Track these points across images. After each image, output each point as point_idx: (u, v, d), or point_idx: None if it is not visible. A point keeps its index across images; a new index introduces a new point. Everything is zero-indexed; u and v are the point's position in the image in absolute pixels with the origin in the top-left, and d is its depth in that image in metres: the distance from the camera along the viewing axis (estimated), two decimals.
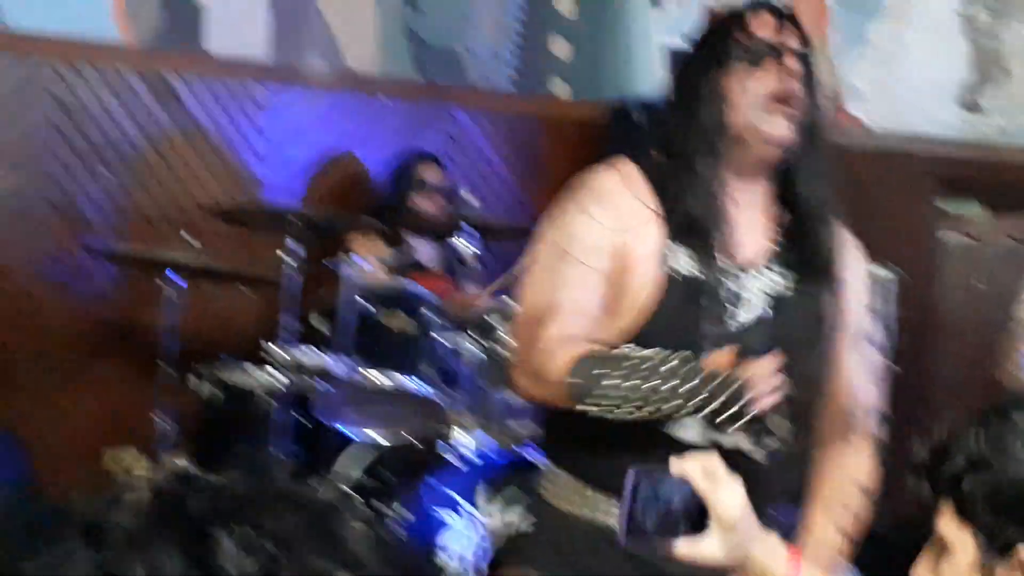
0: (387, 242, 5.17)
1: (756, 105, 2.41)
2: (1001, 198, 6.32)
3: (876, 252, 2.69)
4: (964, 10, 6.31)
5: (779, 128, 2.41)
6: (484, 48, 5.81)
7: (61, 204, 5.12)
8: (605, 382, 2.23)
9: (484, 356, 4.34)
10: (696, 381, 2.18)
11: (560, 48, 5.93)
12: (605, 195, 2.45)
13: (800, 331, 2.45)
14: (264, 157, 5.43)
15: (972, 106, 6.43)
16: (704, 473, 1.81)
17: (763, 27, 2.43)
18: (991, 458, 1.50)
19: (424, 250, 5.28)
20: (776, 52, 2.42)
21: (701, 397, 2.18)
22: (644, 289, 2.40)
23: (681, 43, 5.77)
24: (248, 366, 4.42)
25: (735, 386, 2.17)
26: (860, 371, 2.59)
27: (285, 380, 4.32)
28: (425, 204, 5.27)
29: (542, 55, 5.91)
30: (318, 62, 5.52)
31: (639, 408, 2.22)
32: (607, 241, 2.41)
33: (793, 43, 2.45)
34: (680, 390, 2.19)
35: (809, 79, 2.45)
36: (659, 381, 2.20)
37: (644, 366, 2.23)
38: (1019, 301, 3.83)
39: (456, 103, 5.77)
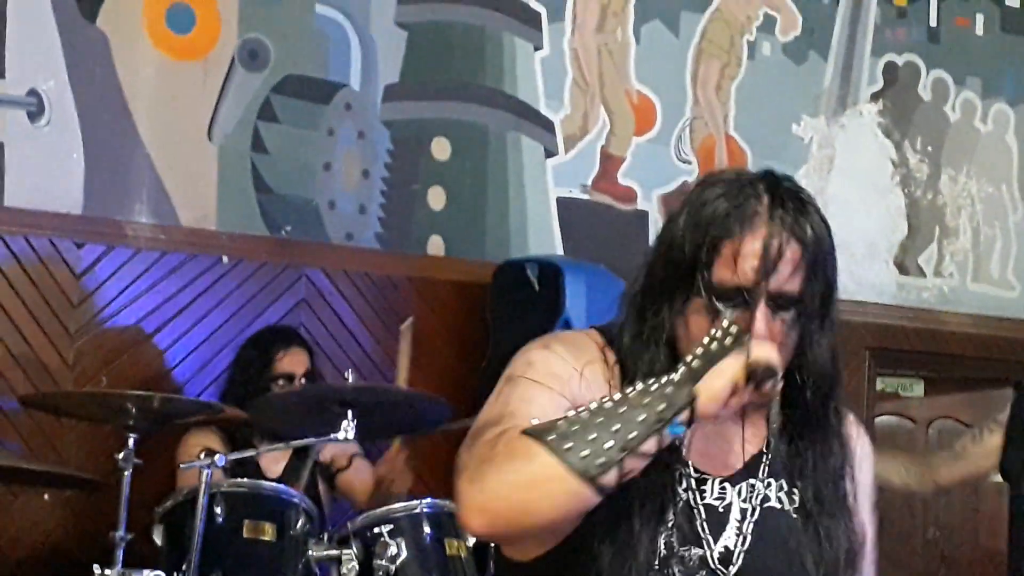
0: (227, 440, 4.70)
1: None
2: (942, 371, 6.16)
3: None
4: (899, 159, 6.21)
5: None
6: (346, 200, 5.39)
7: None
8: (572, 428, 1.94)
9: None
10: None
11: (436, 200, 5.54)
12: (573, 345, 2.19)
13: (802, 558, 2.17)
14: (77, 334, 4.99)
15: (909, 268, 6.31)
16: None
17: (749, 257, 2.03)
18: None
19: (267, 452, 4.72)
20: (752, 298, 2.05)
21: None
22: None
23: (578, 194, 5.75)
24: None
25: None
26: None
27: None
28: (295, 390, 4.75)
29: (415, 208, 5.53)
30: (146, 218, 5.12)
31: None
32: (567, 374, 2.13)
33: (787, 282, 2.05)
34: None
35: (805, 314, 2.09)
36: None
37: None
38: None
39: (313, 263, 5.38)
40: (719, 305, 2.03)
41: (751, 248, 2.02)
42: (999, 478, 4.10)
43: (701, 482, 2.14)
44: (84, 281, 5.01)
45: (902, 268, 6.30)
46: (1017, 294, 6.59)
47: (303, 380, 4.76)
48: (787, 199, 2.05)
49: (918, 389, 6.65)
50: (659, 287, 2.11)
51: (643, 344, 2.11)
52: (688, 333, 2.07)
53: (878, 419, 6.14)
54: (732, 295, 2.03)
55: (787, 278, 2.03)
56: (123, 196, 5.08)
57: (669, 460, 2.09)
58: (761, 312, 2.02)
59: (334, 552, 4.05)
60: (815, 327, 2.09)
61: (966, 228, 6.49)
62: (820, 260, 2.05)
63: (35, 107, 4.96)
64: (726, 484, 2.16)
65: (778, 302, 2.04)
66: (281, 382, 4.74)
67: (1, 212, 4.88)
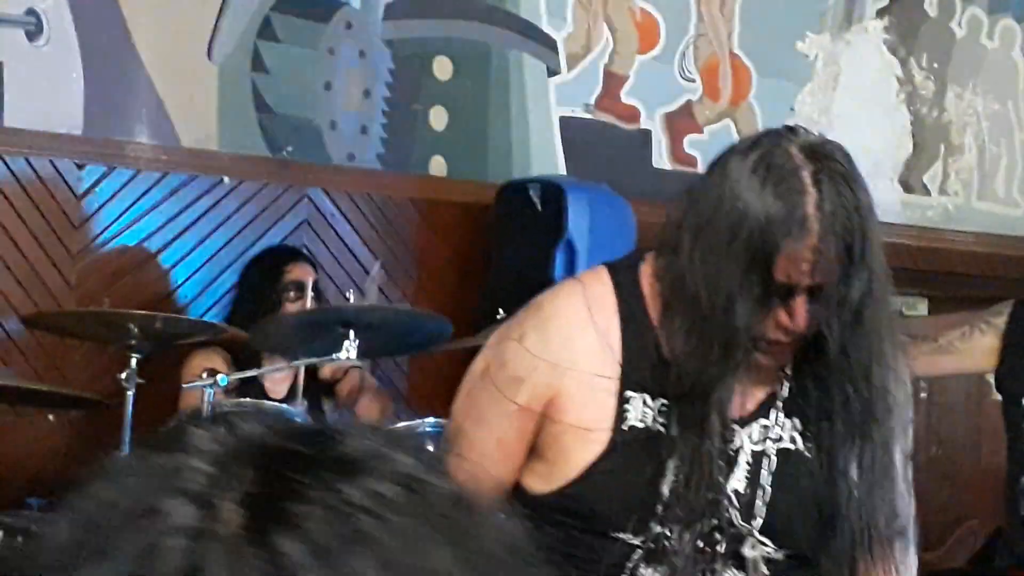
0: (232, 361, 4.67)
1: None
2: (946, 290, 6.13)
3: None
4: (904, 76, 6.17)
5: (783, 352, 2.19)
6: (348, 120, 5.37)
7: None
8: None
9: None
10: None
11: (438, 120, 5.53)
12: (553, 322, 2.23)
13: (819, 500, 2.19)
14: (79, 255, 4.98)
15: (914, 186, 6.28)
16: None
17: (800, 263, 2.07)
18: None
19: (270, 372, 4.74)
20: (792, 291, 2.11)
21: None
22: (578, 442, 2.17)
23: (581, 113, 5.73)
24: None
25: None
26: (906, 495, 2.30)
27: None
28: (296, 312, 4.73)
29: (417, 128, 5.51)
30: (147, 139, 5.09)
31: None
32: (533, 374, 2.22)
33: (831, 274, 2.10)
34: None
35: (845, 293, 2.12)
36: None
37: None
38: None
39: (314, 184, 5.36)
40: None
41: (803, 255, 2.06)
42: (998, 395, 4.08)
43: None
44: (85, 202, 5.01)
45: (907, 186, 6.28)
46: (1023, 212, 6.58)
47: (312, 293, 4.77)
48: (832, 190, 2.07)
49: (922, 308, 6.63)
50: (704, 272, 2.10)
51: (698, 337, 2.11)
52: (756, 321, 2.09)
53: None
54: (777, 291, 2.08)
55: (833, 271, 2.08)
56: (123, 116, 5.08)
57: (680, 408, 2.13)
58: (802, 305, 2.09)
59: None
60: (855, 303, 2.11)
61: (971, 146, 6.46)
62: (865, 248, 2.07)
63: (33, 26, 4.95)
64: (735, 426, 2.18)
65: (818, 291, 2.10)
66: (292, 293, 4.73)
67: (0, 132, 4.89)
